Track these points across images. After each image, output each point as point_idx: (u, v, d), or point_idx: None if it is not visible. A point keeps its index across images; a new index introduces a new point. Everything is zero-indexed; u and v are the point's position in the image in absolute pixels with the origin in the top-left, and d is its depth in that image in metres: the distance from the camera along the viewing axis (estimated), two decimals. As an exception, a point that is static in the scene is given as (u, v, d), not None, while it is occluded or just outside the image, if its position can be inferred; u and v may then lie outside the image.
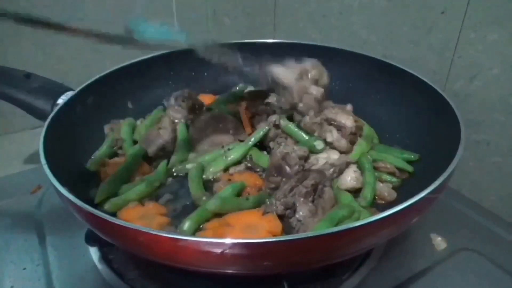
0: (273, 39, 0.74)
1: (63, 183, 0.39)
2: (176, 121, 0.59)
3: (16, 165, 0.74)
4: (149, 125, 0.60)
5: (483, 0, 0.56)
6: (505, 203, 0.59)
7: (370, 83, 0.64)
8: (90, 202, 0.46)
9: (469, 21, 0.58)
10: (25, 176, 0.65)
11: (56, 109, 0.51)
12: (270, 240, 0.35)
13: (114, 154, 0.56)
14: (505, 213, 0.55)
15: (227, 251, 0.33)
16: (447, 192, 0.55)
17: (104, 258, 0.47)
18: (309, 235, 0.33)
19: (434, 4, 0.62)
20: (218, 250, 0.33)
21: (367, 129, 0.57)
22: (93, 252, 0.48)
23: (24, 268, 0.46)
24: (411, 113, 0.57)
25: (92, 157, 0.54)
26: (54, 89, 0.57)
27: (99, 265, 0.46)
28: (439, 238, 0.48)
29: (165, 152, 0.56)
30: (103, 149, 0.55)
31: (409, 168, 0.51)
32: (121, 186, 0.49)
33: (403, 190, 0.49)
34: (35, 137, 0.84)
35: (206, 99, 0.67)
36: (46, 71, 0.60)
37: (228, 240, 0.33)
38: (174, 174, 0.54)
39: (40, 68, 0.61)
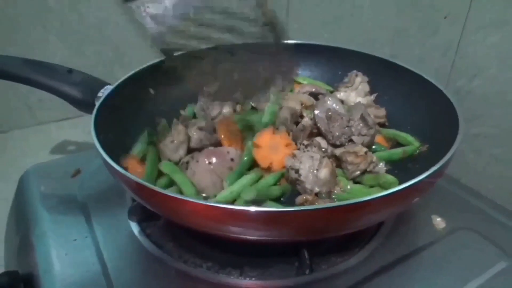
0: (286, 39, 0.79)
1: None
2: None
3: (43, 155, 0.79)
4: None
5: (483, 6, 0.62)
6: (502, 190, 0.64)
7: (379, 82, 0.69)
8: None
9: (470, 25, 0.64)
10: (62, 163, 0.71)
11: (100, 99, 0.58)
12: (291, 209, 0.40)
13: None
14: (502, 199, 0.61)
15: (252, 218, 0.39)
16: (448, 181, 0.62)
17: (143, 232, 0.54)
18: (325, 206, 0.40)
19: (438, 9, 0.67)
20: (245, 217, 0.39)
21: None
22: (134, 227, 0.54)
23: (75, 240, 0.53)
24: (416, 109, 0.63)
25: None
26: (94, 83, 0.64)
27: (140, 238, 0.53)
28: (439, 219, 0.55)
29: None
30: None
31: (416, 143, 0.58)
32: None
33: (409, 174, 0.55)
34: (60, 129, 0.92)
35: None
36: (71, 66, 0.65)
37: (252, 208, 0.39)
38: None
39: (66, 63, 0.66)
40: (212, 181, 0.51)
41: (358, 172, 0.53)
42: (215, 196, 0.51)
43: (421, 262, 0.49)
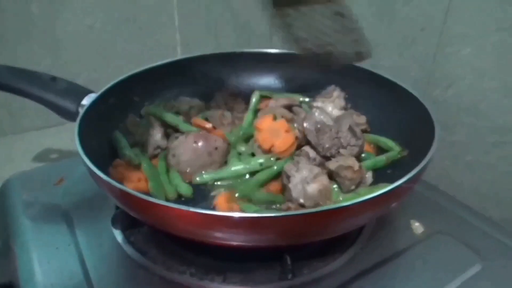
0: (269, 49, 0.80)
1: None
2: None
3: (24, 163, 0.78)
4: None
5: (457, 20, 0.65)
6: (476, 196, 0.67)
7: (359, 90, 0.71)
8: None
9: (445, 38, 0.67)
10: (44, 171, 0.71)
11: (85, 108, 0.58)
12: (274, 215, 0.42)
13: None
14: (477, 204, 0.63)
15: (236, 223, 0.40)
16: (427, 187, 0.64)
17: (127, 240, 0.54)
18: (307, 211, 0.43)
19: (415, 22, 0.70)
20: (228, 223, 0.40)
21: None
22: (118, 235, 0.54)
23: (57, 248, 0.53)
24: (396, 117, 0.65)
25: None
26: (78, 91, 0.63)
27: (124, 245, 0.53)
28: (417, 224, 0.57)
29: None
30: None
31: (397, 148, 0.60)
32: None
33: (388, 180, 0.56)
34: (43, 137, 0.91)
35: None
36: (54, 74, 0.65)
37: (236, 214, 0.40)
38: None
39: (49, 71, 0.65)
40: (191, 158, 0.57)
41: (354, 186, 0.54)
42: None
43: (401, 266, 0.51)
